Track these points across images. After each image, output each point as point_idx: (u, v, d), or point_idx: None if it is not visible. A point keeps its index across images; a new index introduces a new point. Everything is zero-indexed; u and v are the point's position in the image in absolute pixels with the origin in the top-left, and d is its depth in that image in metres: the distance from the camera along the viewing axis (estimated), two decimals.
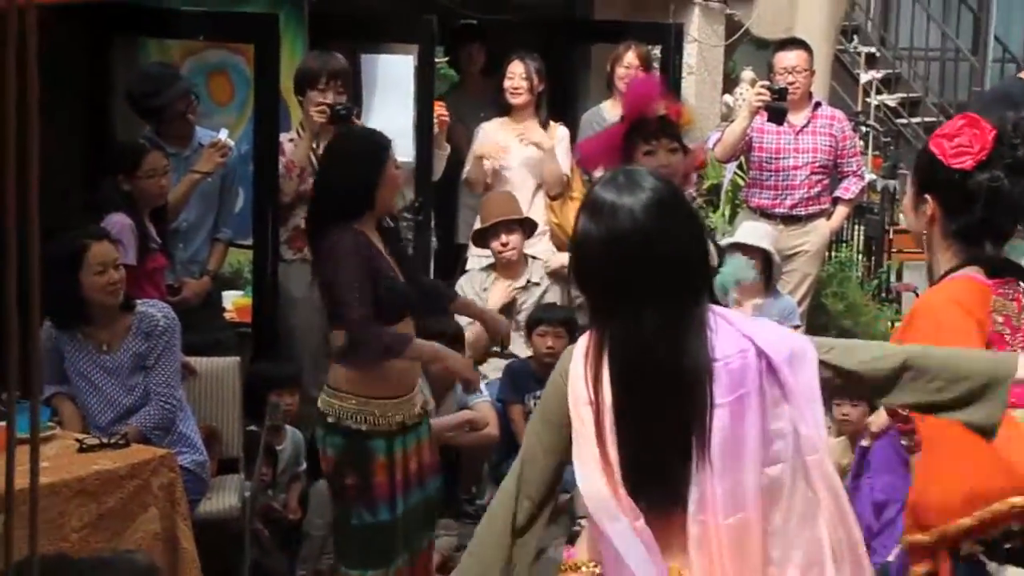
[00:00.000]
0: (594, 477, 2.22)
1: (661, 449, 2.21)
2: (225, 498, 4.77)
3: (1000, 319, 2.77)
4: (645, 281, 2.21)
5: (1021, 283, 2.84)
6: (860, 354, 2.32)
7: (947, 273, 2.81)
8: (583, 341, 2.30)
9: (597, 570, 2.31)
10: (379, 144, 4.07)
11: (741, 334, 2.25)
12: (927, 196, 2.84)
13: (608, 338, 2.24)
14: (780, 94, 6.05)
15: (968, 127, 2.79)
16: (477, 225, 6.19)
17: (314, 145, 5.51)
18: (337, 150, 4.22)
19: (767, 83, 6.22)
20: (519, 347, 6.04)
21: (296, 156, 5.51)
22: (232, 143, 5.52)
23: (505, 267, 5.97)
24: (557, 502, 5.51)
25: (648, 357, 2.20)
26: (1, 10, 1.07)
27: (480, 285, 5.96)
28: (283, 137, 5.63)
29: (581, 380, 2.26)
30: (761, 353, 2.22)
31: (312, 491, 5.15)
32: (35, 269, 1.11)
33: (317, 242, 4.02)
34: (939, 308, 2.72)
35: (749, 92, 6.52)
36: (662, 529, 2.21)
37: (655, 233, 2.21)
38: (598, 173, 3.42)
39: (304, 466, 5.20)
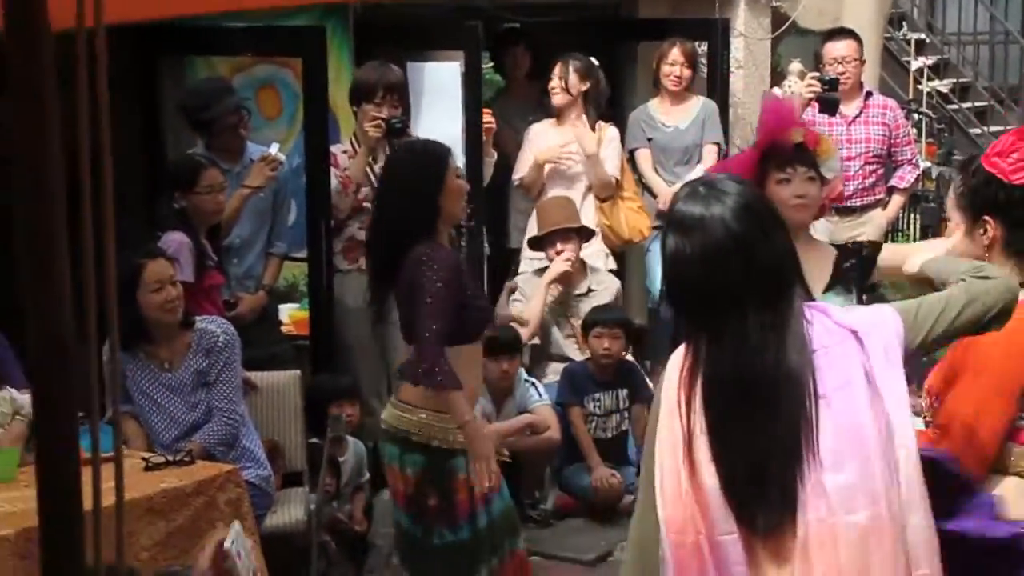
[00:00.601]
0: (671, 485, 2.19)
1: (769, 456, 2.14)
2: (291, 511, 4.78)
3: None
4: (745, 287, 2.17)
5: None
6: (942, 321, 2.33)
7: None
8: (682, 351, 2.26)
9: None
10: (438, 155, 3.96)
11: (838, 324, 2.22)
12: (987, 218, 2.77)
13: (707, 352, 2.19)
14: (831, 84, 5.99)
15: (1021, 140, 2.73)
16: (531, 230, 6.16)
17: (370, 159, 5.51)
18: (397, 165, 4.09)
19: (818, 74, 6.16)
20: (574, 352, 6.01)
21: (352, 171, 5.50)
22: (283, 157, 5.51)
23: (563, 276, 5.94)
24: (621, 503, 5.48)
25: (756, 363, 2.15)
26: (70, 31, 1.07)
27: (535, 288, 5.93)
28: (335, 148, 5.63)
29: (674, 391, 2.22)
30: (861, 341, 2.19)
31: (376, 501, 5.15)
32: (111, 289, 1.11)
33: (392, 259, 3.83)
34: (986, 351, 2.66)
35: (798, 84, 6.44)
36: (774, 541, 2.15)
37: (748, 237, 2.18)
38: None
39: (367, 476, 5.19)
